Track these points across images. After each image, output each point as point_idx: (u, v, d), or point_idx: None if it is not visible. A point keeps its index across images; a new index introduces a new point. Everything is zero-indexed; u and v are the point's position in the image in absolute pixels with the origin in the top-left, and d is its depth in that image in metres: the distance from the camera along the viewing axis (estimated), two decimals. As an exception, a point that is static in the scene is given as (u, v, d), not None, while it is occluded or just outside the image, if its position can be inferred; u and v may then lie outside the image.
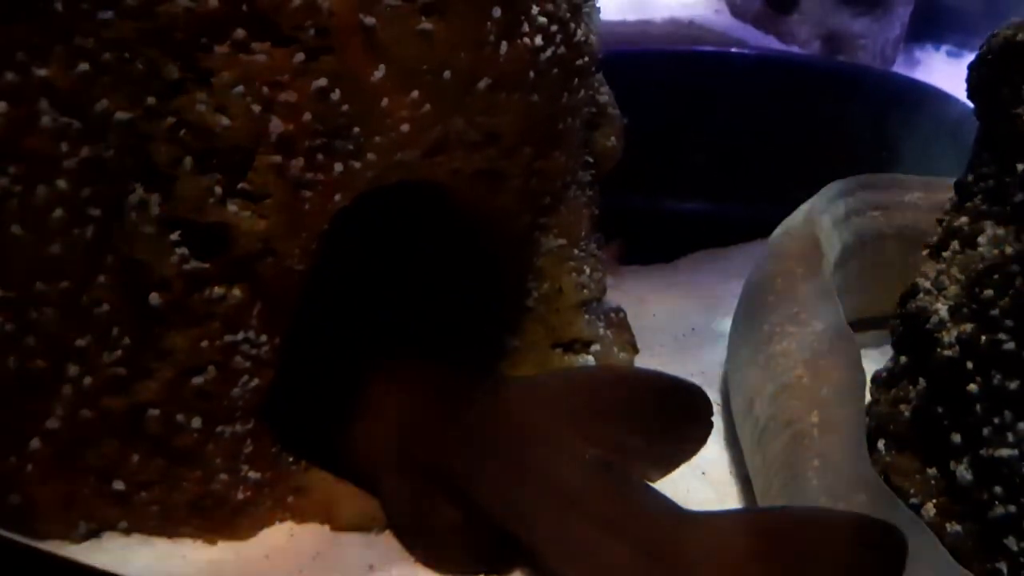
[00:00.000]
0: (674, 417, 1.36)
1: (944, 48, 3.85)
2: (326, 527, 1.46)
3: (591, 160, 1.78)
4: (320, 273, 1.42)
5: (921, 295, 1.47)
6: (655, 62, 2.67)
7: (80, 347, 1.28)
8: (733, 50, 3.00)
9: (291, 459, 1.47)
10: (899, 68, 3.59)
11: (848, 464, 1.38)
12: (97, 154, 1.24)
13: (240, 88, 1.26)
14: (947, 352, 1.38)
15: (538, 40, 1.46)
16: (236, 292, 1.33)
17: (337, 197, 1.36)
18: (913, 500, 1.39)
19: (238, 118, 1.26)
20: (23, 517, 1.31)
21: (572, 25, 1.55)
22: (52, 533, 1.33)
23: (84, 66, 1.22)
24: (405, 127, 1.36)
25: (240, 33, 1.25)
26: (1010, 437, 1.30)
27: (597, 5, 1.70)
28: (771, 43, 3.38)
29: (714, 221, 2.51)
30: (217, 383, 1.35)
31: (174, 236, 1.28)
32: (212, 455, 1.37)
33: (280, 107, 1.27)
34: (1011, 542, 1.30)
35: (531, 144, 1.54)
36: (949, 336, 1.38)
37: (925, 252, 1.57)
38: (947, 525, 1.35)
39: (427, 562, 1.40)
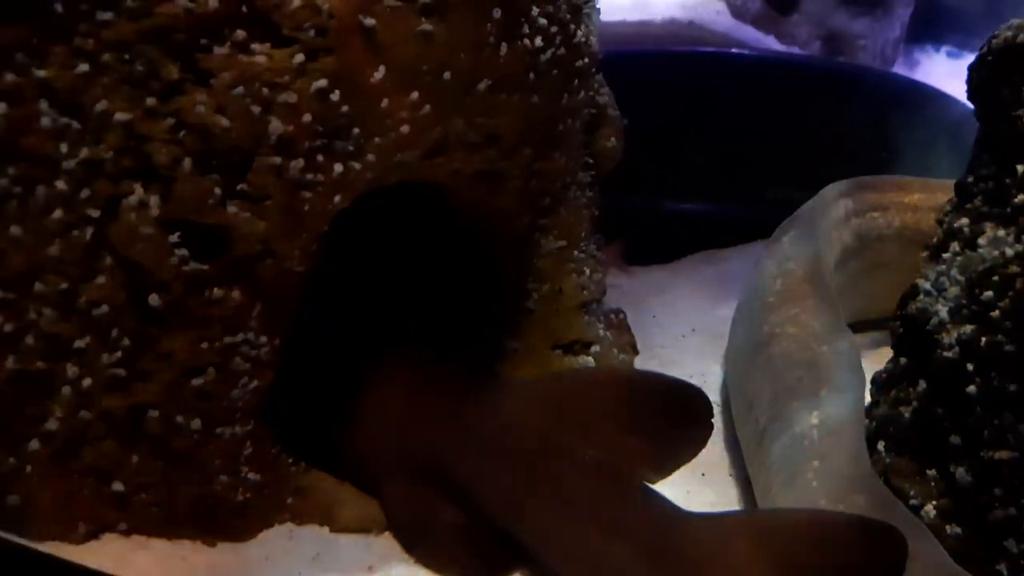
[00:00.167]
0: (674, 419, 1.36)
1: (944, 49, 3.85)
2: (326, 528, 1.45)
3: (591, 161, 1.78)
4: (320, 274, 1.41)
5: (921, 296, 1.47)
6: (655, 63, 2.67)
7: (79, 348, 1.28)
8: (733, 51, 3.00)
9: (291, 460, 1.46)
10: (899, 69, 3.59)
11: (848, 466, 1.37)
12: (96, 155, 1.24)
13: (240, 89, 1.26)
14: (947, 354, 1.38)
15: (538, 41, 1.46)
16: (236, 293, 1.33)
17: (337, 198, 1.36)
18: (913, 502, 1.39)
19: (238, 119, 1.26)
20: (22, 518, 1.31)
21: (572, 26, 1.55)
22: (51, 534, 1.33)
23: (84, 67, 1.22)
24: (405, 128, 1.36)
25: (240, 34, 1.25)
26: (1010, 439, 1.30)
27: (597, 6, 1.70)
28: (771, 44, 3.38)
29: (714, 222, 2.51)
30: (217, 384, 1.35)
31: (173, 237, 1.28)
32: (212, 456, 1.37)
33: (280, 108, 1.27)
34: (1011, 544, 1.30)
35: (531, 145, 1.54)
36: (949, 338, 1.38)
37: (925, 253, 1.57)
38: (947, 527, 1.35)
39: (427, 563, 1.40)
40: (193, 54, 1.25)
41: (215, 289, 1.31)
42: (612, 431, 1.33)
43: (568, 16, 1.54)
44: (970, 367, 1.34)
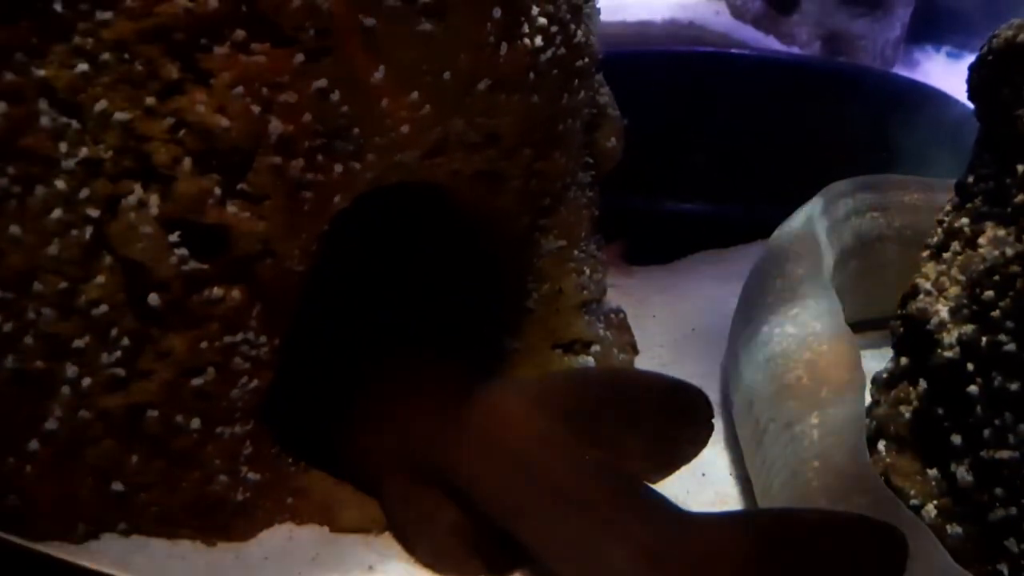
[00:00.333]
0: (674, 418, 1.36)
1: (944, 49, 3.85)
2: (325, 528, 1.45)
3: (591, 161, 1.77)
4: (320, 274, 1.41)
5: (921, 296, 1.47)
6: (655, 63, 2.68)
7: (78, 348, 1.28)
8: (733, 51, 3.00)
9: (290, 460, 1.46)
10: (899, 69, 3.59)
11: (848, 465, 1.37)
12: (96, 154, 1.24)
13: (240, 89, 1.25)
14: (948, 353, 1.38)
15: (538, 41, 1.46)
16: (235, 293, 1.33)
17: (337, 198, 1.36)
18: (914, 501, 1.39)
19: (238, 119, 1.26)
20: (22, 518, 1.31)
21: (572, 26, 1.55)
22: (51, 534, 1.33)
23: (83, 66, 1.22)
24: (405, 128, 1.35)
25: (240, 34, 1.25)
26: (1011, 439, 1.30)
27: (597, 6, 1.70)
28: (771, 44, 3.38)
29: (714, 222, 2.51)
30: (216, 384, 1.35)
31: (173, 237, 1.28)
32: (211, 456, 1.37)
33: (280, 108, 1.27)
34: (1012, 544, 1.30)
35: (531, 145, 1.54)
36: (950, 337, 1.38)
37: (925, 253, 1.57)
38: (948, 526, 1.35)
39: (427, 563, 1.40)
40: (193, 54, 1.25)
41: (215, 288, 1.31)
42: (612, 431, 1.33)
43: (568, 16, 1.54)
44: (971, 367, 1.34)
